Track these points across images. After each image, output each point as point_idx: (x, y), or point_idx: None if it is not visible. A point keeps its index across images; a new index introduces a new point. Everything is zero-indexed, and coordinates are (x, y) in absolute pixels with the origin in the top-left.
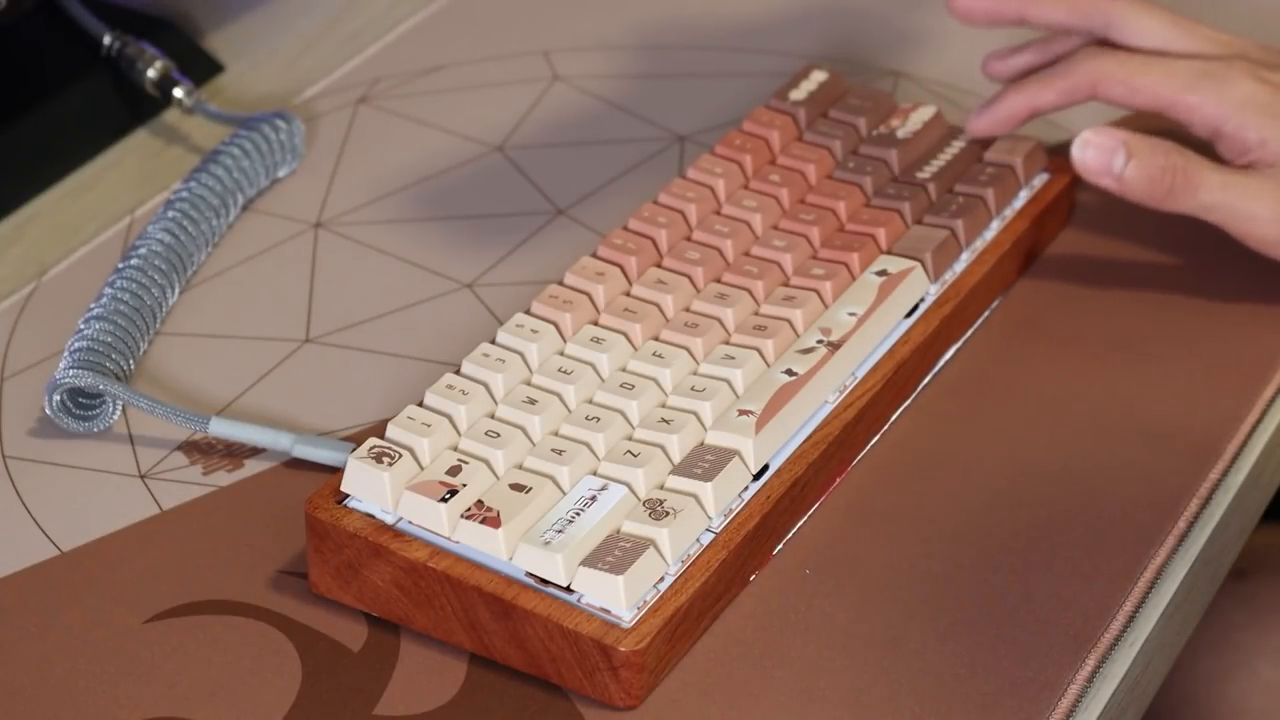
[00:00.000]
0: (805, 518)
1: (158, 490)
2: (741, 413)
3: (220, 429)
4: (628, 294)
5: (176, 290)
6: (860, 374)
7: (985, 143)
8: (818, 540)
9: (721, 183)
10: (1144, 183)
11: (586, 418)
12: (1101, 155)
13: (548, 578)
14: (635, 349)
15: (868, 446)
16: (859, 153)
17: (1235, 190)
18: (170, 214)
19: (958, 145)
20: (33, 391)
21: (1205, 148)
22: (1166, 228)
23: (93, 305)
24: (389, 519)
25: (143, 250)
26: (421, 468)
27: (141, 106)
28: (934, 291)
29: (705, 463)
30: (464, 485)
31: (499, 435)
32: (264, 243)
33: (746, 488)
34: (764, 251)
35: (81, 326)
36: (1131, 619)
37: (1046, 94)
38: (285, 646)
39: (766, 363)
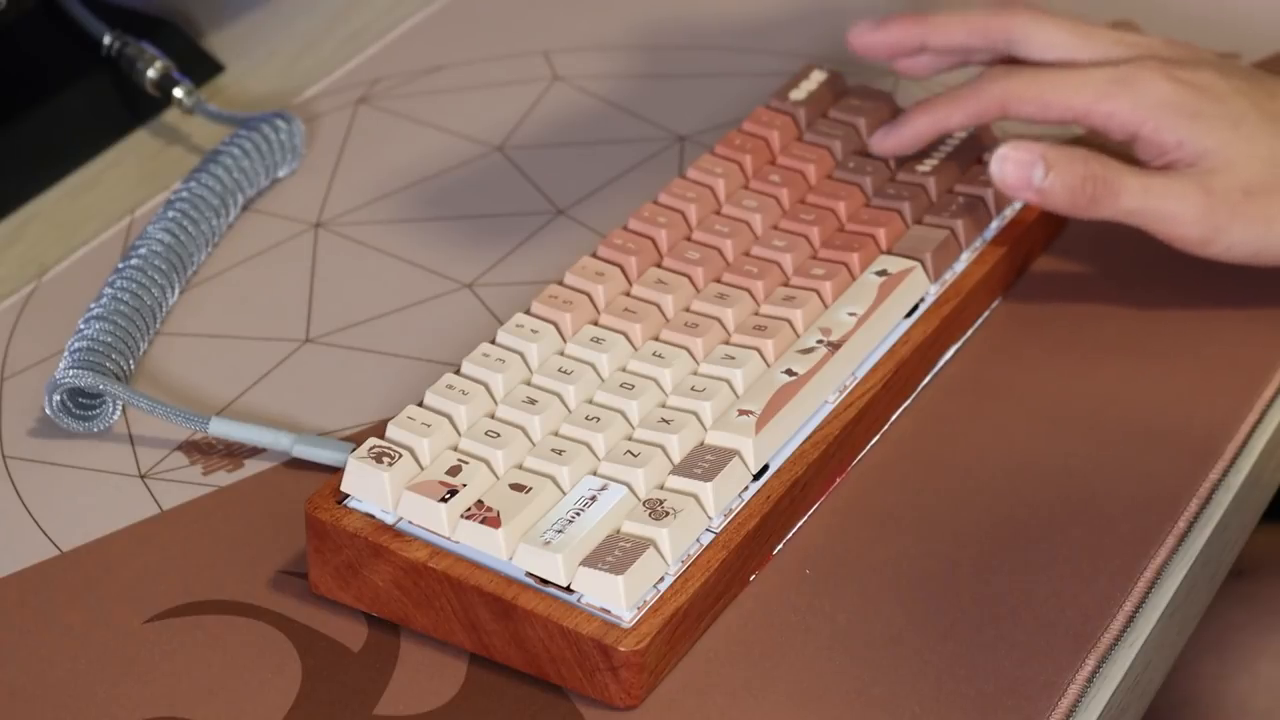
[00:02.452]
0: (805, 518)
1: (158, 490)
2: (741, 413)
3: (220, 429)
4: (628, 294)
5: (176, 290)
6: (860, 374)
7: (986, 143)
8: (818, 540)
9: (721, 183)
10: (1065, 193)
11: (586, 418)
12: (1020, 170)
13: (548, 578)
14: (635, 349)
15: (868, 446)
16: (859, 153)
17: (1156, 193)
18: (170, 214)
19: (957, 144)
20: (33, 391)
21: (1124, 149)
22: None
23: (93, 305)
24: (389, 519)
25: (143, 250)
26: (421, 468)
27: (141, 106)
28: (934, 291)
29: (705, 463)
30: (464, 485)
31: (499, 435)
32: (264, 243)
33: (746, 488)
34: (764, 251)
35: (81, 326)
36: (1131, 619)
37: (956, 115)
38: (285, 646)
39: (766, 363)
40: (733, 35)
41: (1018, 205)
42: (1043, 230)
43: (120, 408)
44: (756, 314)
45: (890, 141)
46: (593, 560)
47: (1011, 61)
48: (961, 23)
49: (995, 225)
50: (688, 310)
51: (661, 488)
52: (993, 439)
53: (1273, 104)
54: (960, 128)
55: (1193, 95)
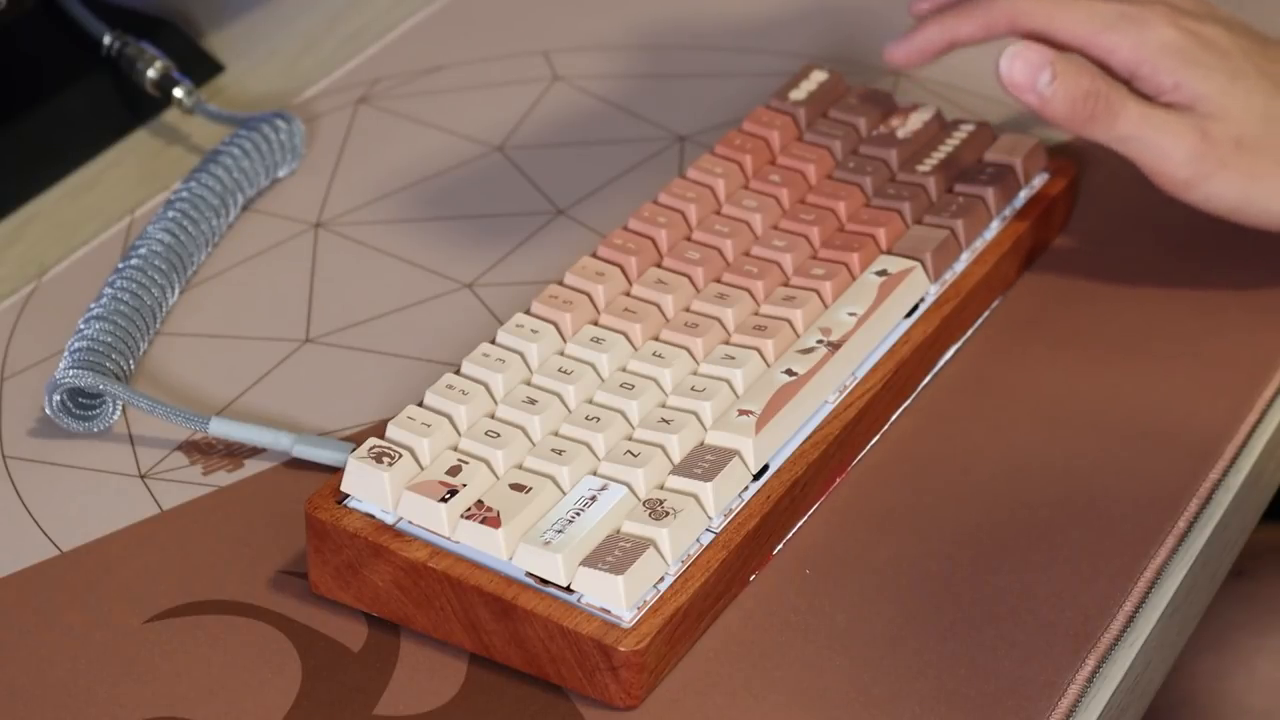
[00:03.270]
0: (805, 518)
1: (158, 490)
2: (741, 413)
3: (220, 429)
4: (628, 294)
5: (176, 290)
6: (860, 374)
7: (986, 142)
8: (818, 540)
9: (721, 183)
10: (1066, 104)
11: (586, 418)
12: (1029, 70)
13: (548, 578)
14: (635, 349)
15: (868, 446)
16: (859, 153)
17: (1154, 124)
18: (170, 214)
19: (957, 144)
20: (33, 391)
21: None
22: (1166, 228)
23: (93, 305)
24: (389, 519)
25: (143, 250)
26: (421, 468)
27: (141, 106)
28: (934, 291)
29: (705, 463)
30: (464, 485)
31: (499, 435)
32: (264, 243)
33: (746, 488)
34: (764, 251)
35: (81, 326)
36: (1131, 619)
37: (965, 26)
38: (285, 646)
39: (766, 363)
40: (733, 35)
41: (1018, 205)
42: (1043, 230)
43: (120, 408)
44: (756, 314)
45: (902, 51)
46: (593, 560)
47: None
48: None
49: (995, 225)
50: (688, 310)
51: (661, 488)
52: (993, 439)
53: (1274, 67)
54: (970, 39)
55: (1194, 43)
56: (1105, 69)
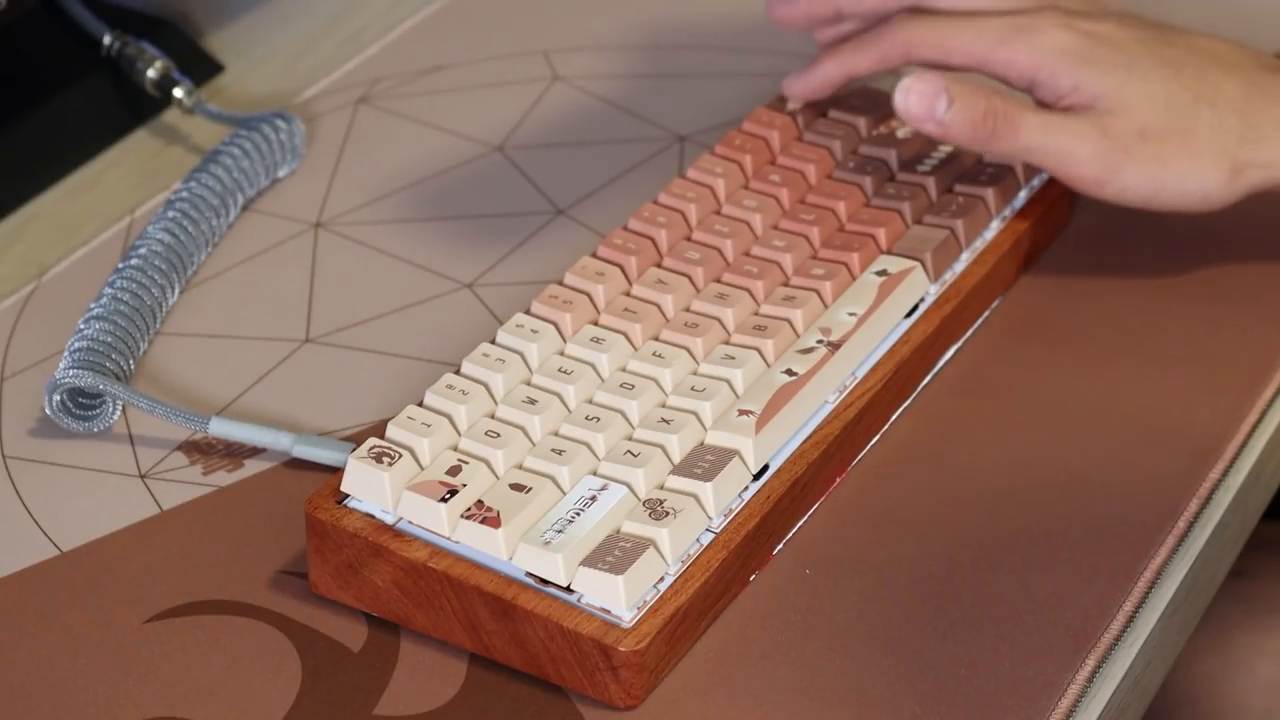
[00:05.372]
0: (805, 518)
1: (158, 490)
2: (741, 413)
3: (220, 429)
4: (628, 294)
5: (176, 290)
6: (860, 374)
7: None
8: (818, 540)
9: (721, 183)
10: (966, 126)
11: (586, 418)
12: (924, 101)
13: (548, 578)
14: (635, 349)
15: (868, 446)
16: (859, 153)
17: (1055, 131)
18: (170, 214)
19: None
20: (33, 391)
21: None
22: (1166, 228)
23: (93, 305)
24: (389, 519)
25: (143, 250)
26: (421, 468)
27: (141, 106)
28: (934, 291)
29: (705, 463)
30: (464, 485)
31: (499, 435)
32: (264, 243)
33: (746, 488)
34: (764, 251)
35: (81, 326)
36: (1131, 619)
37: (861, 60)
38: (285, 646)
39: (766, 363)
40: (733, 35)
41: (1018, 205)
42: (1043, 230)
43: (120, 408)
44: (756, 314)
45: (800, 86)
46: (593, 560)
47: (919, 11)
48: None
49: (995, 225)
50: (688, 310)
51: (661, 488)
52: (993, 439)
53: (1170, 50)
54: (867, 72)
55: (1088, 43)
56: (1005, 83)
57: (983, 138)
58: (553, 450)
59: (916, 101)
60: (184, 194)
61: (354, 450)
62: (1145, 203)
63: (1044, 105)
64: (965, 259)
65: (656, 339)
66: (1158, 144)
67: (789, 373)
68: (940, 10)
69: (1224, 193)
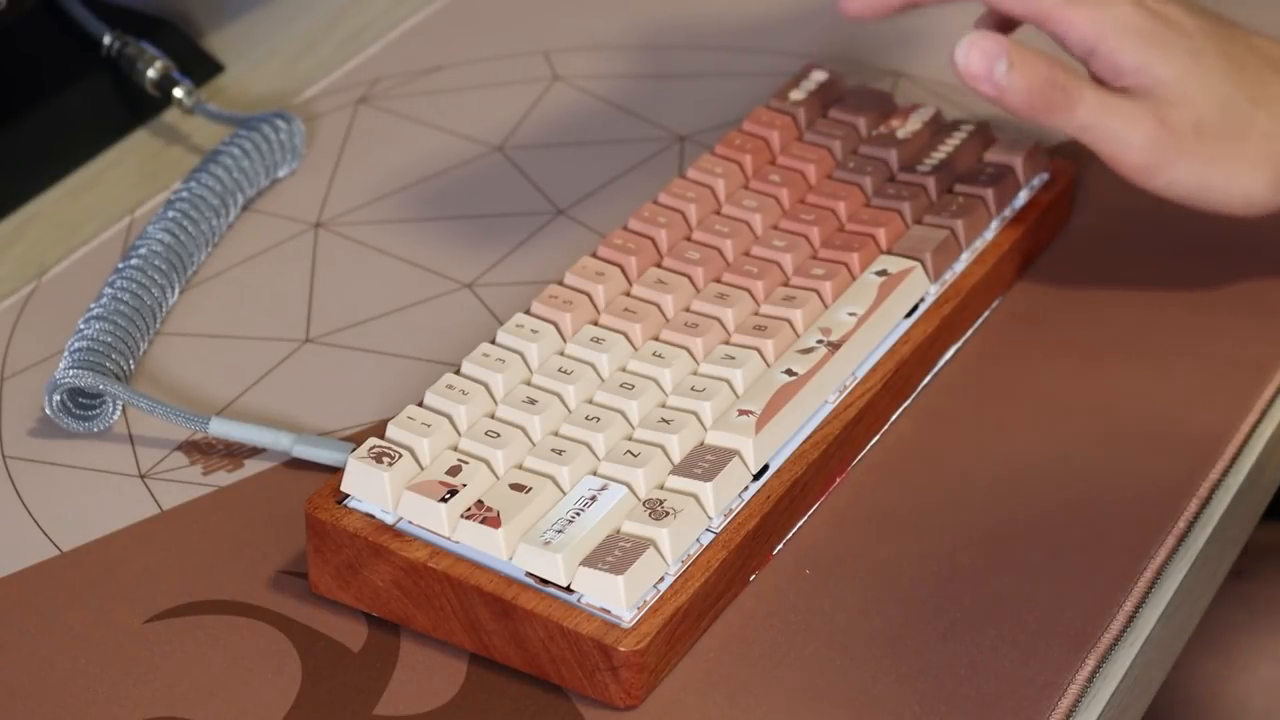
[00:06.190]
0: (805, 518)
1: (158, 490)
2: (741, 413)
3: (220, 429)
4: (628, 294)
5: (176, 290)
6: (860, 374)
7: (985, 142)
8: (818, 540)
9: (721, 183)
10: (1024, 93)
11: (586, 418)
12: (985, 60)
13: (548, 578)
14: (635, 349)
15: (868, 446)
16: (859, 153)
17: (1112, 112)
18: (170, 214)
19: (957, 144)
20: (33, 391)
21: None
22: (1166, 228)
23: (93, 305)
24: (389, 519)
25: (143, 250)
26: (421, 468)
27: (141, 106)
28: (934, 291)
29: (705, 463)
30: (464, 485)
31: (499, 435)
32: (264, 243)
33: (746, 488)
34: (764, 251)
35: (81, 326)
36: (1131, 619)
37: None
38: (285, 646)
39: (766, 363)
40: (733, 35)
41: (1018, 205)
42: (1043, 230)
43: (120, 408)
44: (756, 314)
45: (858, 3)
46: (593, 560)
47: None
48: None
49: (995, 225)
50: (688, 310)
51: (661, 488)
52: (993, 439)
53: (1233, 47)
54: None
55: (1157, 24)
56: (1061, 44)
57: (1039, 107)
58: (553, 450)
59: (978, 60)
60: (184, 194)
61: (354, 450)
62: (1187, 199)
63: (1098, 80)
64: (965, 259)
65: (656, 339)
66: (1211, 143)
67: (789, 373)
68: None
69: (1267, 200)
